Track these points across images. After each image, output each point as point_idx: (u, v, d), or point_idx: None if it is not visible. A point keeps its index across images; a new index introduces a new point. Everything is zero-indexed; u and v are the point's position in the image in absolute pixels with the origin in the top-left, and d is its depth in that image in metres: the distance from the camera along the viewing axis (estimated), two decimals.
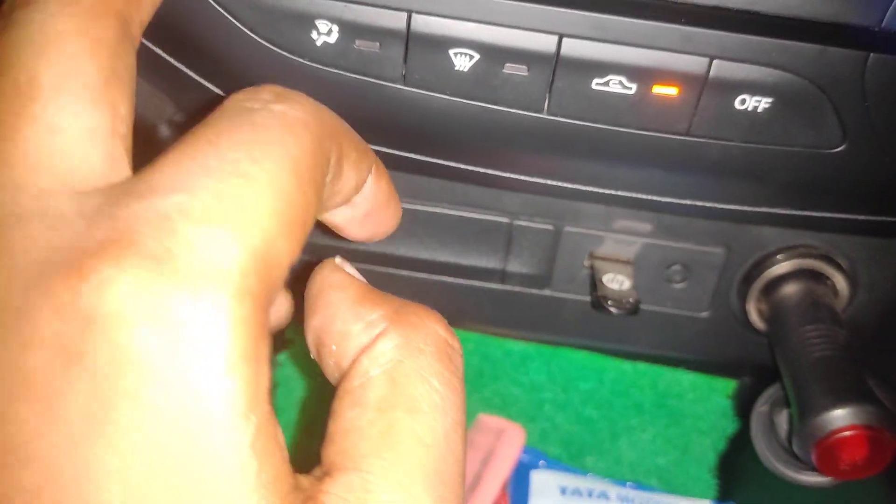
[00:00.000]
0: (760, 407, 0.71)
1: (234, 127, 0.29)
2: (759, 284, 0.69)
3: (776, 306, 0.68)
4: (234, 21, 0.48)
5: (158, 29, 0.37)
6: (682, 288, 0.70)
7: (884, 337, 0.69)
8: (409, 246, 0.70)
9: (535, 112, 0.50)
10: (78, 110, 0.29)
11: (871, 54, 0.47)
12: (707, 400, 0.93)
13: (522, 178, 0.58)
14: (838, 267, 0.67)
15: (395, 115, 0.51)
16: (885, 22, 0.46)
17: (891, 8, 0.46)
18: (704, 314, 0.71)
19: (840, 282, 0.67)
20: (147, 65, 0.48)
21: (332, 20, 0.48)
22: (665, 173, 0.55)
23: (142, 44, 0.34)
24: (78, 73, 0.29)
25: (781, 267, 0.68)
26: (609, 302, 0.65)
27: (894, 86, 0.48)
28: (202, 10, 0.48)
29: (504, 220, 0.67)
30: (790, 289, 0.68)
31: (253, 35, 0.49)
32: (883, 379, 0.65)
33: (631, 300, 0.65)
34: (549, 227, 0.68)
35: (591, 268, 0.69)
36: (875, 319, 0.68)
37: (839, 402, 0.58)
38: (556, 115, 0.50)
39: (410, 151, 0.57)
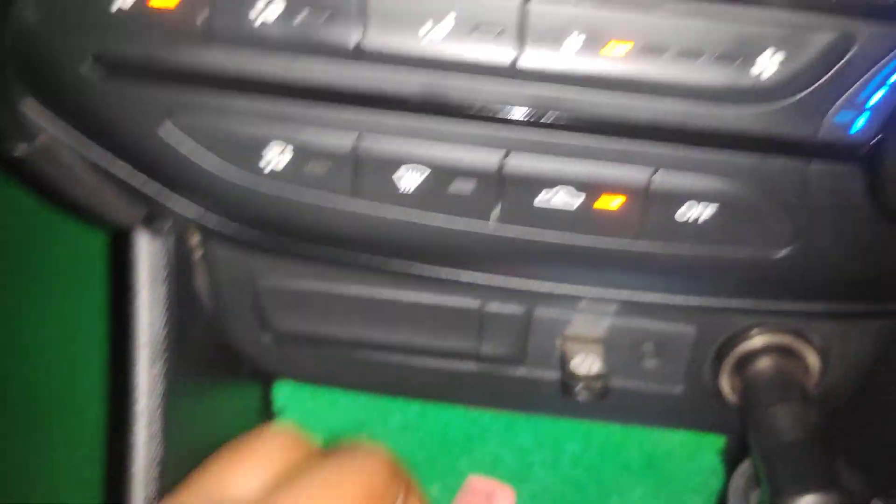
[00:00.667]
0: (736, 481, 0.72)
1: None
2: (730, 360, 0.70)
3: (748, 383, 0.68)
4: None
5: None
6: (654, 364, 0.70)
7: (854, 413, 0.69)
8: (386, 331, 0.71)
9: (482, 222, 0.51)
10: None
11: (813, 161, 0.48)
12: (696, 458, 0.93)
13: (479, 279, 0.59)
14: (810, 343, 0.67)
15: (348, 226, 0.53)
16: (821, 133, 0.47)
17: (825, 119, 0.46)
18: (678, 389, 0.72)
19: (812, 358, 0.68)
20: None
21: (286, 141, 0.50)
22: (618, 274, 0.56)
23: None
24: None
25: (753, 343, 0.68)
26: (577, 387, 0.66)
27: (837, 190, 0.48)
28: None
29: (475, 305, 0.68)
30: (761, 364, 0.69)
31: (211, 153, 0.50)
32: (851, 456, 0.65)
33: (598, 385, 0.66)
34: (519, 311, 0.69)
35: (562, 349, 0.69)
36: (846, 395, 0.68)
37: (805, 489, 0.58)
38: (507, 223, 0.51)
39: (366, 252, 0.58)
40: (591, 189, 0.49)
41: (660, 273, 0.54)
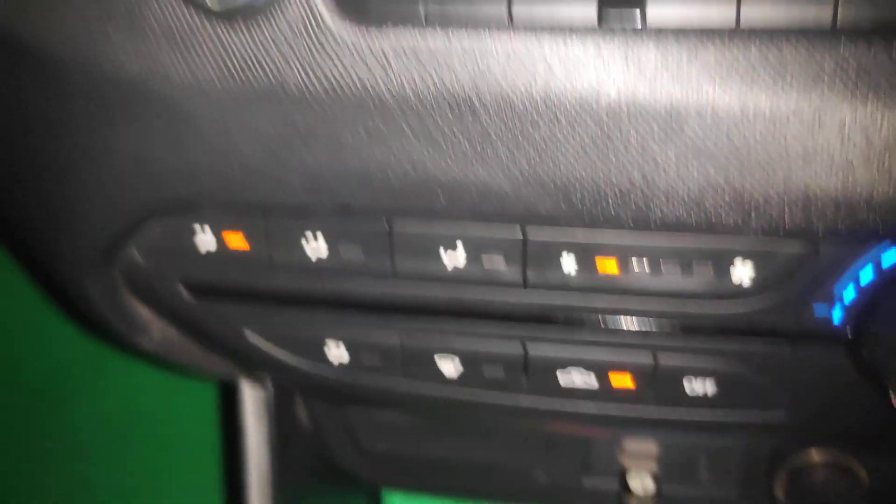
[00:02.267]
0: None
1: None
2: (785, 468, 0.75)
3: (797, 492, 0.73)
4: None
5: None
6: (708, 475, 0.77)
7: None
8: (461, 450, 0.80)
9: (516, 396, 0.60)
10: None
11: (798, 347, 0.53)
12: None
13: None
14: (862, 461, 0.72)
15: (394, 402, 0.63)
16: (801, 325, 0.53)
17: (803, 314, 0.52)
18: (735, 498, 0.77)
19: (862, 475, 0.72)
20: None
21: (344, 341, 0.60)
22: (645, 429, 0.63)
23: None
24: None
25: (805, 457, 0.73)
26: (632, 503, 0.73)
27: (824, 368, 0.54)
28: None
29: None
30: (813, 476, 0.73)
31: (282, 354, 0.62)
32: None
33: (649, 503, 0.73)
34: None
35: (621, 464, 0.77)
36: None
37: None
38: (534, 399, 0.60)
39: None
40: (602, 368, 0.57)
41: (675, 429, 0.61)
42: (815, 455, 0.73)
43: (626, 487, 0.74)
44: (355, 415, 0.79)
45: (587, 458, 0.77)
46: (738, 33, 0.43)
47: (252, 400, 0.75)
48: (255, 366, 0.64)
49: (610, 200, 0.48)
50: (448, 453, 0.80)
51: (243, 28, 0.47)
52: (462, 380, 0.59)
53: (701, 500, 0.77)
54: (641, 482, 0.74)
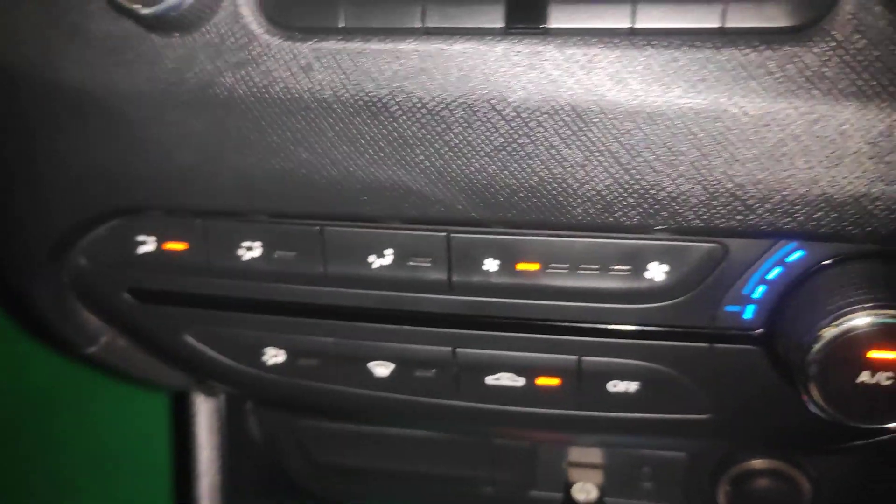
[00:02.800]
0: None
1: None
2: (728, 476, 0.76)
3: (739, 501, 0.74)
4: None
5: None
6: (652, 485, 0.78)
7: None
8: (410, 463, 0.81)
9: (448, 399, 0.61)
10: None
11: (715, 345, 0.55)
12: None
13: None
14: (800, 469, 0.73)
15: (334, 406, 0.64)
16: (716, 323, 0.54)
17: (717, 312, 0.54)
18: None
19: (804, 484, 0.73)
20: None
21: (279, 345, 0.61)
22: (569, 435, 0.64)
23: None
24: None
25: (751, 464, 0.75)
26: None
27: (740, 366, 0.55)
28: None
29: (484, 438, 0.78)
30: (755, 485, 0.74)
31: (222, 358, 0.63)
32: None
33: None
34: (525, 442, 0.78)
35: (566, 474, 0.78)
36: None
37: None
38: (467, 402, 0.61)
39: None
40: (530, 373, 0.58)
41: (601, 433, 0.62)
42: (757, 464, 0.74)
43: (570, 499, 0.75)
44: (306, 427, 0.80)
45: (534, 470, 0.78)
46: (635, 34, 0.45)
47: (204, 411, 0.76)
48: (197, 370, 0.65)
49: (524, 201, 0.50)
50: (398, 466, 0.81)
51: (176, 37, 0.49)
52: (394, 382, 0.60)
53: None
54: (586, 493, 0.75)
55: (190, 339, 0.62)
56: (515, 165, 0.49)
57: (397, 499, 0.86)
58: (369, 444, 0.80)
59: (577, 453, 0.78)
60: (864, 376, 0.49)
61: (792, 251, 0.51)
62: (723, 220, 0.48)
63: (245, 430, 0.81)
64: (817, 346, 0.49)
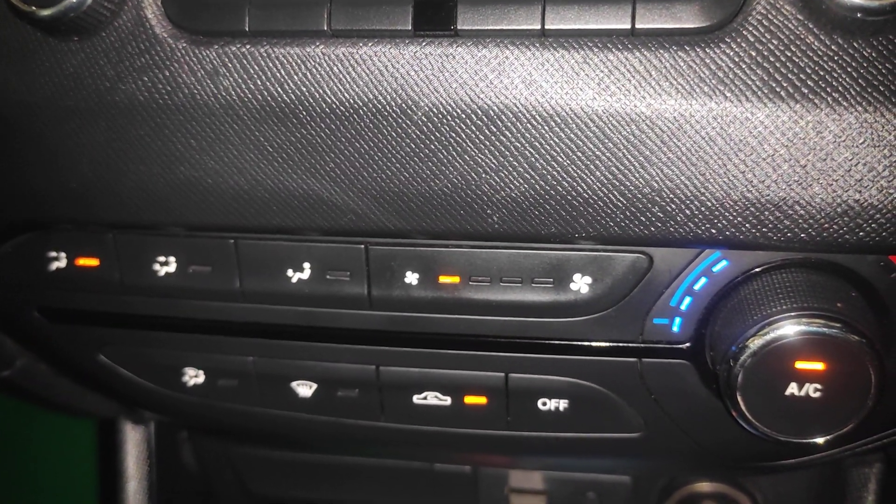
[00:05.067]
0: None
1: None
2: (672, 501, 0.74)
3: None
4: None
5: None
6: None
7: None
8: (349, 492, 0.78)
9: (374, 421, 0.59)
10: None
11: (642, 360, 0.53)
12: None
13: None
14: (744, 492, 0.71)
15: (258, 429, 0.62)
16: (643, 336, 0.53)
17: (645, 324, 0.52)
18: None
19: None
20: None
21: (198, 366, 0.59)
22: (502, 456, 0.62)
23: None
24: None
25: (695, 487, 0.73)
26: None
27: (670, 381, 0.54)
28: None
29: (424, 465, 0.75)
30: None
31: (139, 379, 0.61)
32: None
33: None
34: (466, 469, 0.75)
35: (507, 501, 0.75)
36: None
37: None
38: (393, 422, 0.59)
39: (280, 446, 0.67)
40: (456, 392, 0.56)
41: (532, 454, 0.60)
42: (701, 487, 0.73)
43: None
44: (242, 456, 0.77)
45: (476, 497, 0.76)
46: (546, 36, 0.44)
47: (132, 440, 0.73)
48: (115, 394, 0.63)
49: (438, 209, 0.48)
50: (337, 496, 0.78)
51: (76, 41, 0.48)
52: (317, 403, 0.58)
53: None
54: None
55: (105, 360, 0.60)
56: (428, 172, 0.47)
57: None
58: (307, 474, 0.78)
59: (519, 478, 0.75)
60: (793, 388, 0.48)
61: (717, 261, 0.50)
62: (643, 228, 0.47)
63: (179, 460, 0.78)
64: (743, 357, 0.47)
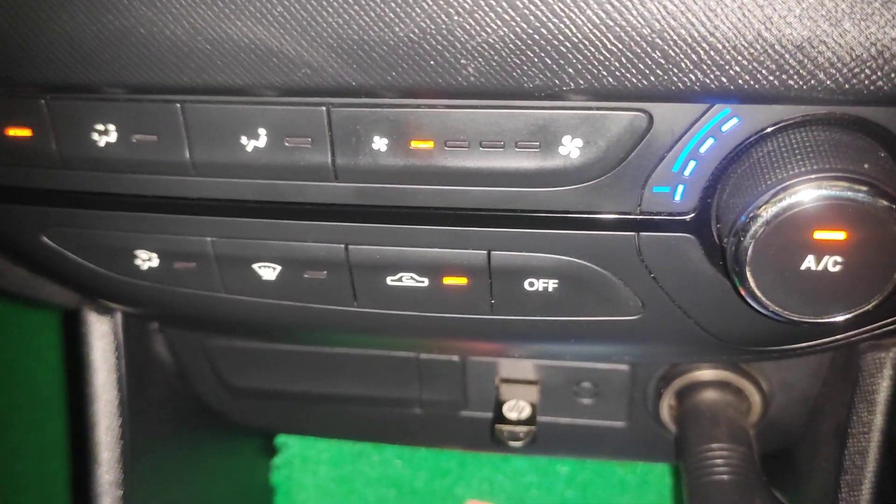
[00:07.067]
0: None
1: None
2: (672, 389, 0.69)
3: (684, 415, 0.68)
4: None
5: None
6: (593, 402, 0.71)
7: (790, 451, 0.68)
8: (333, 383, 0.74)
9: (346, 306, 0.54)
10: None
11: (640, 234, 0.48)
12: None
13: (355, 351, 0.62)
14: (754, 382, 0.66)
15: (222, 317, 0.57)
16: (642, 206, 0.47)
17: (644, 193, 0.46)
18: (621, 423, 0.72)
19: (754, 396, 0.67)
20: None
21: (150, 249, 0.54)
22: (487, 343, 0.57)
23: None
24: None
25: (693, 375, 0.68)
26: (504, 435, 0.67)
27: (671, 257, 0.48)
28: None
29: (409, 355, 0.71)
30: (700, 397, 0.68)
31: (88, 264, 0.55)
32: (785, 493, 0.64)
33: (522, 434, 0.67)
34: (455, 358, 0.70)
35: (498, 392, 0.71)
36: (794, 425, 0.67)
37: None
38: (367, 308, 0.54)
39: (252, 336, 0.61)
40: (434, 273, 0.51)
41: (519, 340, 0.55)
42: (703, 374, 0.68)
43: (502, 418, 0.68)
44: (217, 347, 0.73)
45: (464, 389, 0.72)
46: None
47: (98, 331, 0.69)
48: (64, 279, 0.58)
49: (405, 60, 0.42)
50: (319, 388, 0.74)
51: None
52: (283, 287, 0.53)
53: (583, 427, 0.72)
54: (518, 412, 0.68)
55: (48, 243, 0.54)
56: (391, 14, 0.40)
57: (320, 425, 0.79)
58: (287, 365, 0.73)
59: (509, 368, 0.71)
60: (809, 262, 0.42)
61: (726, 119, 0.43)
62: (642, 77, 0.40)
63: (150, 351, 0.73)
64: (754, 228, 0.41)
